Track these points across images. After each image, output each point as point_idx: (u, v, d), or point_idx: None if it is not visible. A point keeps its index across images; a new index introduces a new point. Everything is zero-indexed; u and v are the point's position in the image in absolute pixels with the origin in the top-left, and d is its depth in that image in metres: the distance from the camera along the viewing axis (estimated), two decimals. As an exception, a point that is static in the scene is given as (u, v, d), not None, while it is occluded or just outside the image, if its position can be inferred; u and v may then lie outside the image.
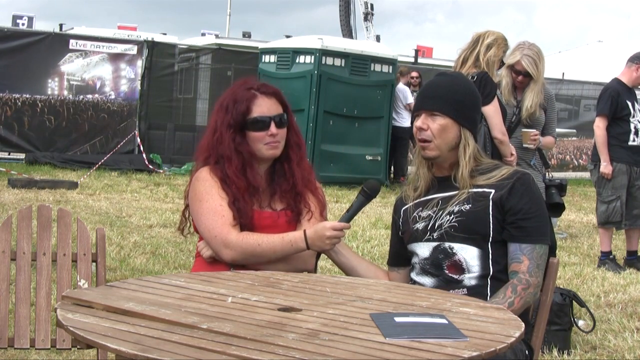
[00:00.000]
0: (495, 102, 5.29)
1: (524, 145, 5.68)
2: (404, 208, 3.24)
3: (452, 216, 3.04)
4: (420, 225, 3.12)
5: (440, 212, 3.08)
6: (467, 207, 3.03)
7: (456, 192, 3.08)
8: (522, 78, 5.71)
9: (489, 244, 3.01)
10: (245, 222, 3.13)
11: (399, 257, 3.29)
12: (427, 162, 3.18)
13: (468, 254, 3.01)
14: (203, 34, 26.01)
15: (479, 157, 3.16)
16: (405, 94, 14.92)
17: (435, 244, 3.07)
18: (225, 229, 3.08)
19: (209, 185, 3.17)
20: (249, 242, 3.05)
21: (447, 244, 3.04)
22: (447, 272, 3.03)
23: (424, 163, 3.19)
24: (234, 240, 3.05)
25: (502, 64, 5.61)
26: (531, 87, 5.70)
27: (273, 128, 3.20)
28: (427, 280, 3.08)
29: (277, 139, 3.22)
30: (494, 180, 3.06)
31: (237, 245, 3.05)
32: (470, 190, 3.07)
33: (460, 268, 3.02)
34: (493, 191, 3.04)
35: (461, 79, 3.33)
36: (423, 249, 3.10)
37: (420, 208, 3.16)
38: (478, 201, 3.03)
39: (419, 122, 3.12)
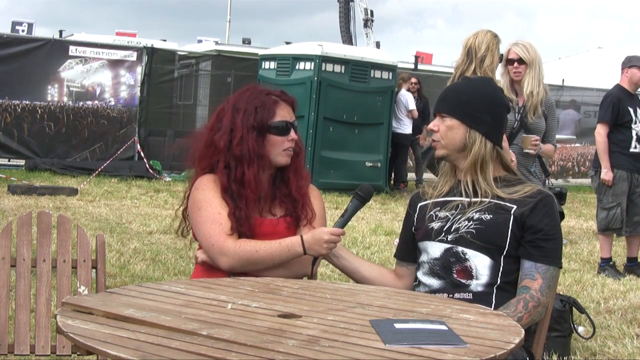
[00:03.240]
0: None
1: (525, 151, 5.67)
2: (420, 204, 3.24)
3: (471, 222, 3.04)
4: (435, 225, 3.12)
5: (459, 216, 3.08)
6: (488, 217, 3.04)
7: (477, 199, 3.09)
8: (517, 65, 5.71)
9: (502, 257, 3.02)
10: (245, 230, 3.13)
11: (409, 252, 3.28)
12: (451, 165, 3.20)
13: (480, 262, 3.01)
14: (200, 41, 26.03)
15: (506, 164, 3.18)
16: (408, 100, 14.90)
17: (448, 246, 3.06)
18: (222, 237, 3.07)
19: (209, 193, 3.16)
20: (246, 249, 3.05)
21: (460, 249, 3.04)
22: (455, 276, 3.03)
23: (449, 165, 3.21)
24: (230, 247, 3.05)
25: (500, 58, 5.61)
26: (527, 72, 5.70)
27: (293, 133, 3.25)
28: (434, 282, 3.08)
29: (293, 145, 3.25)
30: (517, 196, 3.06)
31: (234, 253, 3.05)
32: (492, 200, 3.07)
33: (469, 274, 3.02)
34: (515, 207, 3.04)
35: (478, 82, 3.36)
36: (434, 249, 3.10)
37: (439, 208, 3.16)
38: (499, 213, 3.04)
39: (430, 124, 3.20)
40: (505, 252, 3.02)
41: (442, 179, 3.24)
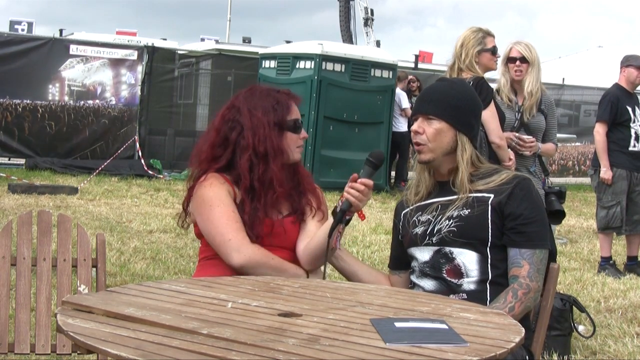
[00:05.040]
0: (491, 107, 5.30)
1: (519, 152, 5.67)
2: (404, 212, 3.25)
3: (451, 221, 3.04)
4: (419, 230, 3.12)
5: (440, 217, 3.08)
6: (466, 212, 3.04)
7: (455, 197, 3.09)
8: (519, 64, 5.71)
9: (488, 248, 3.02)
10: (258, 231, 3.13)
11: (400, 261, 3.29)
12: (427, 168, 3.19)
13: (467, 259, 3.02)
14: (203, 39, 26.04)
15: (477, 162, 3.16)
16: (402, 99, 14.93)
17: (435, 248, 3.07)
18: (241, 234, 3.08)
19: (220, 192, 3.15)
20: (264, 253, 3.08)
21: (447, 249, 3.04)
22: (445, 275, 3.03)
23: (423, 169, 3.20)
24: (248, 245, 3.07)
25: (493, 52, 5.55)
26: (528, 71, 5.72)
27: (304, 132, 3.30)
28: (427, 283, 3.08)
29: (303, 143, 3.30)
30: (493, 185, 3.07)
31: (251, 252, 3.05)
32: (469, 195, 3.07)
33: (459, 272, 3.02)
34: (492, 196, 3.04)
35: (459, 84, 3.35)
36: (423, 253, 3.11)
37: (420, 212, 3.16)
38: (477, 206, 3.03)
39: (415, 126, 3.15)
40: (489, 243, 3.01)
41: (420, 183, 3.23)
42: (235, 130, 3.23)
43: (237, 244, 3.06)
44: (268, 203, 3.17)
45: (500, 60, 5.73)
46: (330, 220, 3.10)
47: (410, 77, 15.80)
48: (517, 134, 5.62)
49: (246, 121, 3.22)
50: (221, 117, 3.29)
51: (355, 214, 3.11)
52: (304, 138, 3.29)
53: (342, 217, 3.05)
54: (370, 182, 3.04)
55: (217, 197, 3.15)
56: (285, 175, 3.28)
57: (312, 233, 3.22)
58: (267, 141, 3.19)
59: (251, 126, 3.21)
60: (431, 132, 3.10)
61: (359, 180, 3.02)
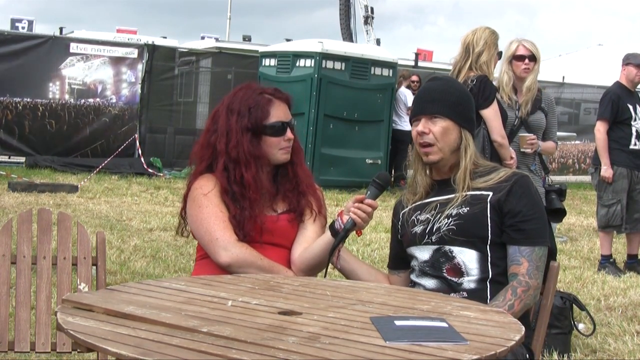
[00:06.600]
0: (494, 105, 5.30)
1: (521, 150, 5.67)
2: (402, 211, 3.24)
3: (450, 219, 3.04)
4: (418, 229, 3.12)
5: (439, 216, 3.08)
6: (465, 210, 3.03)
7: (454, 195, 3.08)
8: (528, 62, 5.71)
9: (488, 246, 3.01)
10: (249, 229, 3.14)
11: (399, 261, 3.29)
12: (425, 167, 3.18)
13: (467, 257, 3.01)
14: (203, 38, 26.04)
15: (476, 159, 3.17)
16: (407, 97, 14.93)
17: (435, 247, 3.07)
18: (228, 233, 3.09)
19: (209, 193, 3.18)
20: (252, 253, 3.08)
21: (447, 247, 3.04)
22: (446, 274, 3.03)
23: (421, 169, 3.19)
24: (236, 244, 3.07)
25: (499, 55, 5.59)
26: (534, 69, 5.72)
27: (289, 133, 3.25)
28: (427, 282, 3.08)
29: (290, 144, 3.25)
30: (492, 183, 3.06)
31: (239, 251, 3.06)
32: (468, 192, 3.07)
33: (459, 271, 3.02)
34: (491, 194, 3.04)
35: (454, 82, 3.39)
36: (422, 253, 3.10)
37: (419, 211, 3.15)
38: (476, 204, 3.03)
39: (420, 127, 3.12)
40: (489, 241, 3.01)
41: (418, 183, 3.22)
42: (215, 134, 3.25)
43: (224, 243, 3.08)
44: (253, 205, 3.17)
45: (503, 58, 5.74)
46: (328, 232, 3.14)
47: (412, 76, 15.80)
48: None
49: (222, 125, 3.23)
50: (211, 118, 3.32)
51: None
52: (288, 140, 3.26)
53: (346, 236, 3.07)
54: (376, 203, 3.07)
55: (206, 198, 3.17)
56: (280, 174, 3.29)
57: (311, 239, 3.23)
58: (239, 147, 3.18)
59: (225, 131, 3.22)
60: (438, 130, 3.09)
61: (366, 201, 3.04)
